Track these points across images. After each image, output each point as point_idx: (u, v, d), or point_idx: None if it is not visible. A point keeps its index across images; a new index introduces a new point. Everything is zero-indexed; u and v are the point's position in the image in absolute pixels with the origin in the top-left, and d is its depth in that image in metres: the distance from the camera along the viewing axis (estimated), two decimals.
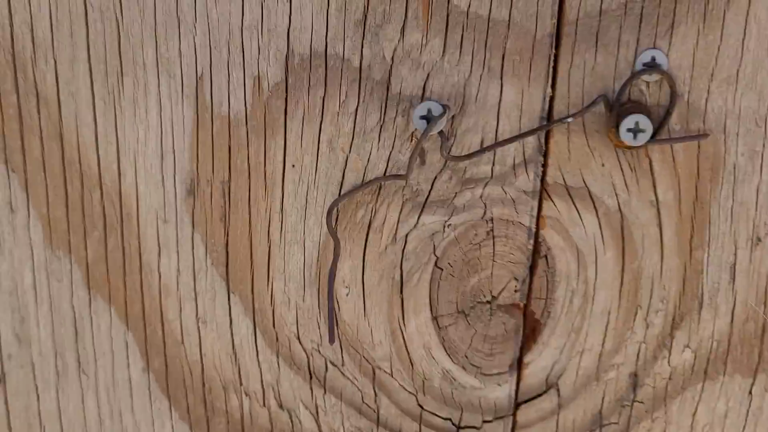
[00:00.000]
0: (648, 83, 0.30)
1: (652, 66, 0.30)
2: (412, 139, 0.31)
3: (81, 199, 0.33)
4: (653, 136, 0.30)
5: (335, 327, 0.33)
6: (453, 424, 0.35)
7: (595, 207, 0.32)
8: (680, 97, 0.30)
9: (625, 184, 0.31)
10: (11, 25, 0.30)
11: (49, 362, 0.35)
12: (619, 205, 0.32)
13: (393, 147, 0.31)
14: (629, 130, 0.29)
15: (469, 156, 0.30)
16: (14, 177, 0.32)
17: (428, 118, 0.30)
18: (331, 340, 0.32)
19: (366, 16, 0.30)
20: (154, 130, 0.31)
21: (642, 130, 0.29)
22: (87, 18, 0.30)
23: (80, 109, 0.31)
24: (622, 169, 0.31)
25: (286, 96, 0.31)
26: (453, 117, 0.31)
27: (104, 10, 0.30)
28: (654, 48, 0.30)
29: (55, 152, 0.32)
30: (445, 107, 0.30)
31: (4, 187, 0.33)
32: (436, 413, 0.35)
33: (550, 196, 0.32)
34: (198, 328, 0.34)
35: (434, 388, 0.35)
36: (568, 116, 0.30)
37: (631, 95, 0.30)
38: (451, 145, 0.31)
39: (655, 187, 0.31)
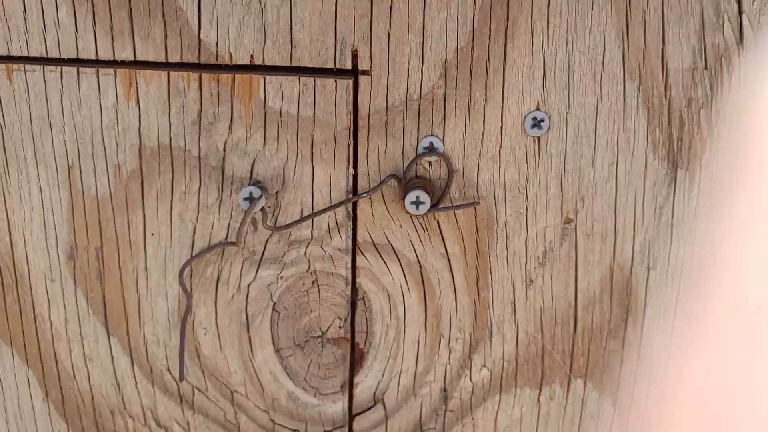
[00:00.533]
0: (430, 162, 0.37)
1: (431, 149, 0.36)
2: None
3: None
4: (436, 204, 0.37)
5: (184, 366, 0.40)
6: None
7: (398, 259, 0.39)
8: (456, 173, 0.37)
9: (420, 241, 0.38)
10: None
11: None
12: (417, 257, 0.39)
13: (231, 217, 0.38)
14: (412, 202, 0.36)
15: (288, 226, 0.37)
16: None
17: (250, 199, 0.36)
18: (181, 378, 0.39)
19: (200, 116, 0.36)
20: (37, 210, 0.38)
21: (422, 202, 0.36)
22: None
23: None
24: (416, 229, 0.38)
25: (142, 180, 0.37)
26: (277, 193, 0.37)
27: None
28: (431, 135, 0.36)
29: None
30: (262, 190, 0.36)
31: None
32: (286, 426, 0.42)
33: (361, 252, 0.38)
34: (86, 364, 0.41)
35: (282, 405, 0.42)
36: (366, 192, 0.37)
37: (417, 172, 0.37)
38: (277, 216, 0.37)
39: (444, 242, 0.38)
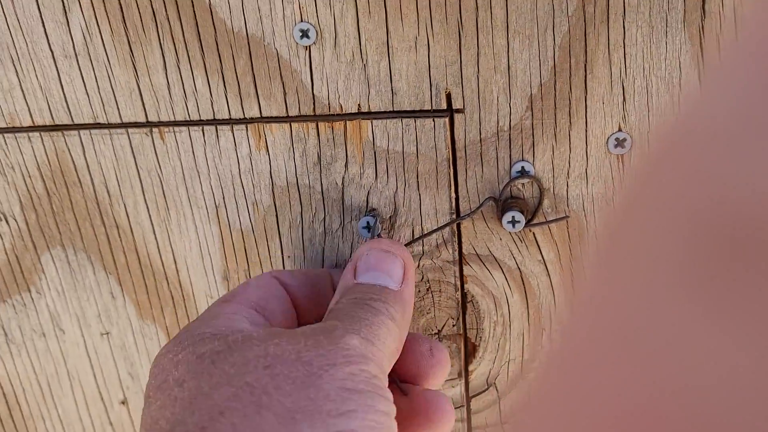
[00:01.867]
0: (523, 184, 0.39)
1: (522, 173, 0.39)
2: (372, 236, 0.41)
3: (156, 288, 0.45)
4: (530, 220, 0.39)
5: None
6: None
7: (500, 266, 0.41)
8: (547, 191, 0.39)
9: (519, 250, 0.41)
10: (93, 185, 0.43)
11: None
12: (517, 264, 0.41)
13: (352, 240, 0.42)
14: (509, 222, 0.39)
15: (405, 245, 0.41)
16: (111, 277, 0.45)
17: (368, 227, 0.40)
18: None
19: (320, 158, 0.40)
20: (194, 242, 0.43)
21: (518, 221, 0.39)
22: (139, 174, 0.42)
23: (146, 233, 0.43)
24: (515, 241, 0.41)
25: (276, 213, 0.42)
26: (390, 217, 0.41)
27: (149, 169, 0.42)
28: (522, 160, 0.39)
29: (134, 260, 0.44)
30: (377, 217, 0.40)
31: (106, 283, 0.45)
32: None
33: (467, 262, 0.42)
34: None
35: None
36: (468, 213, 0.40)
37: (512, 193, 0.39)
38: (392, 237, 0.41)
39: (540, 250, 0.41)
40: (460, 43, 0.36)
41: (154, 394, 0.31)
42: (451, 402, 0.35)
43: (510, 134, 0.38)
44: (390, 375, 0.33)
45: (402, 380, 0.36)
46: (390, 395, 0.30)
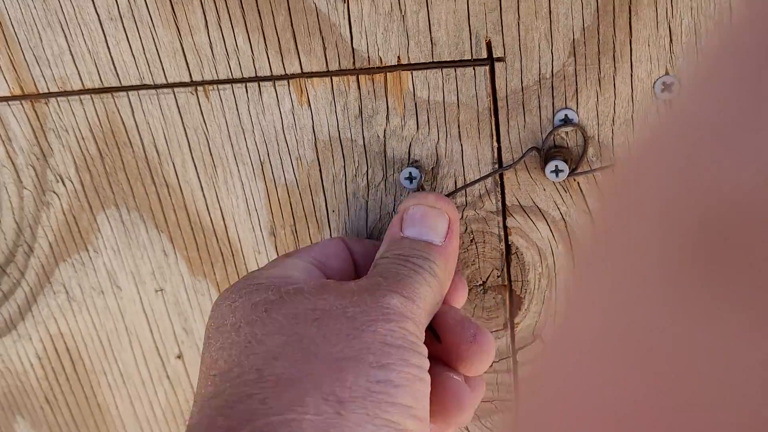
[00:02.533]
0: (566, 132, 0.38)
1: (566, 121, 0.38)
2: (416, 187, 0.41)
3: (205, 244, 0.46)
4: (575, 169, 0.38)
5: None
6: None
7: (544, 217, 0.41)
8: (591, 139, 0.38)
9: (563, 201, 0.40)
10: (143, 145, 0.43)
11: None
12: (561, 215, 0.40)
13: (396, 192, 0.41)
14: (552, 171, 0.38)
15: (446, 196, 0.40)
16: (163, 235, 0.46)
17: (410, 178, 0.40)
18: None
19: (361, 111, 0.40)
20: (241, 198, 0.44)
21: (561, 170, 0.38)
22: (186, 133, 0.42)
23: (194, 191, 0.44)
24: (558, 192, 0.40)
25: (320, 168, 0.42)
26: (432, 168, 0.40)
27: (195, 128, 0.42)
28: (566, 108, 0.37)
29: (185, 218, 0.45)
30: (419, 168, 0.39)
31: (158, 241, 0.46)
32: None
33: (511, 214, 0.41)
34: None
35: None
36: (511, 164, 0.39)
37: (555, 142, 0.38)
38: (434, 188, 0.41)
39: (585, 200, 0.40)
40: None
41: (213, 335, 0.33)
42: (470, 394, 0.35)
43: (552, 82, 0.37)
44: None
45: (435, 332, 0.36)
46: (425, 350, 0.32)
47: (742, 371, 0.10)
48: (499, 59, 0.37)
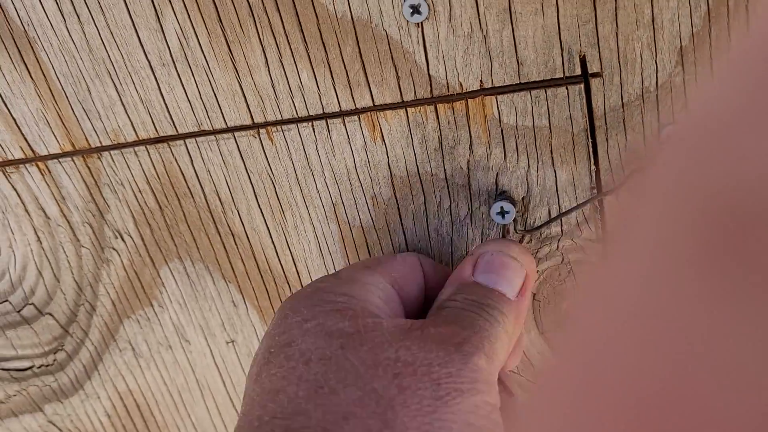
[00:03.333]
0: None
1: None
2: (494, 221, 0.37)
3: (277, 292, 0.42)
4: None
5: None
6: None
7: None
8: None
9: None
10: (204, 194, 0.39)
11: None
12: None
13: (482, 226, 0.37)
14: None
15: (540, 227, 0.36)
16: (231, 286, 0.42)
17: (502, 213, 0.35)
18: None
19: (441, 142, 0.35)
20: (314, 243, 0.40)
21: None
22: (250, 178, 0.38)
23: (262, 238, 0.40)
24: None
25: (398, 205, 0.38)
26: (523, 198, 0.36)
27: (260, 172, 0.38)
28: (674, 122, 0.33)
29: (253, 267, 0.41)
30: (508, 199, 0.35)
31: (227, 292, 0.43)
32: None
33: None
34: None
35: None
36: (613, 188, 0.34)
37: None
38: (526, 219, 0.36)
39: None
40: None
41: (276, 353, 0.30)
42: None
43: (657, 95, 0.32)
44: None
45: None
46: (502, 427, 0.29)
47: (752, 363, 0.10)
48: (595, 75, 0.32)
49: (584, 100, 0.33)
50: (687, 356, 0.10)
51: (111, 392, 0.48)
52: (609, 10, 0.31)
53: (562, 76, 0.33)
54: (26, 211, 0.42)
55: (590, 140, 0.34)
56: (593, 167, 0.34)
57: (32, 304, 0.45)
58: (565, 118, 0.33)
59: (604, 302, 0.13)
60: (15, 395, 0.50)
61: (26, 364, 0.48)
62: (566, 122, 0.34)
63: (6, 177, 0.41)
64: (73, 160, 0.40)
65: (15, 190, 0.41)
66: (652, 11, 0.31)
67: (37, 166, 0.40)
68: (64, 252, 0.43)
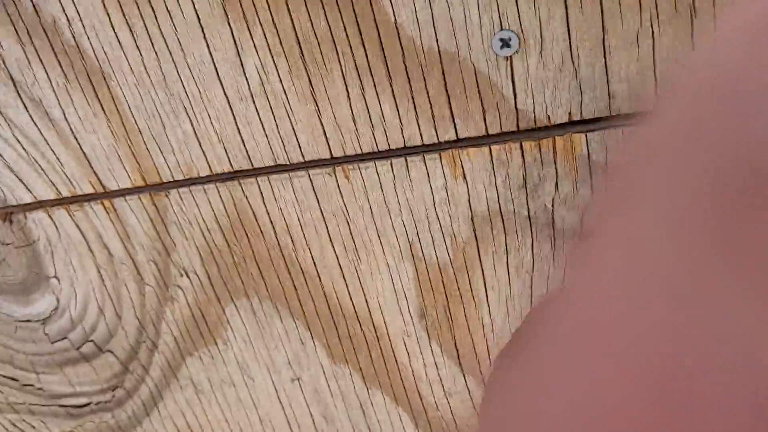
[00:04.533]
0: None
1: None
2: None
3: (347, 330, 0.40)
4: None
5: None
6: None
7: None
8: None
9: None
10: (275, 232, 0.37)
11: (349, 431, 0.44)
12: None
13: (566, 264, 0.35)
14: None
15: None
16: (299, 323, 0.40)
17: None
18: None
19: (525, 180, 0.33)
20: (387, 282, 0.38)
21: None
22: (324, 217, 0.36)
23: (334, 278, 0.38)
24: None
25: (477, 244, 0.35)
26: None
27: (336, 213, 0.36)
28: None
29: (323, 305, 0.39)
30: None
31: (294, 330, 0.40)
32: None
33: None
34: (447, 399, 0.41)
35: None
36: None
37: None
38: None
39: None
40: (692, 29, 0.29)
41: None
42: None
43: None
44: None
45: None
46: None
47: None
48: None
49: None
50: (698, 334, 0.09)
51: (170, 429, 0.46)
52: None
53: None
54: (89, 249, 0.40)
55: None
56: None
57: (92, 341, 0.43)
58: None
59: (612, 278, 0.11)
60: (72, 431, 0.48)
61: (83, 400, 0.46)
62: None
63: (70, 215, 0.39)
64: (140, 198, 0.38)
65: (78, 228, 0.39)
66: None
67: (103, 204, 0.39)
68: (127, 290, 0.41)
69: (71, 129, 0.36)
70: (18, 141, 0.37)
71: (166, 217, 0.38)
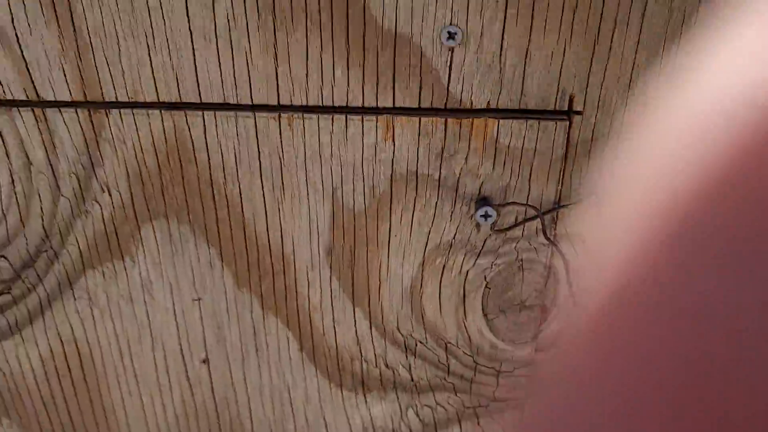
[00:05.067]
0: None
1: None
2: (471, 219, 0.42)
3: (257, 260, 0.44)
4: None
5: None
6: (496, 370, 0.49)
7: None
8: None
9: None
10: (209, 163, 0.40)
11: (237, 351, 0.48)
12: None
13: (460, 223, 0.42)
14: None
15: (509, 228, 0.41)
16: (212, 249, 0.43)
17: (485, 216, 0.40)
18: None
19: (443, 150, 0.40)
20: (305, 219, 0.42)
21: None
22: (260, 159, 0.40)
23: (257, 211, 0.42)
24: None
25: (391, 197, 0.41)
26: (498, 205, 0.41)
27: (271, 153, 0.40)
28: None
29: (240, 235, 0.43)
30: (488, 204, 0.40)
31: (206, 254, 0.43)
32: (486, 365, 0.48)
33: (556, 246, 0.43)
34: (334, 327, 0.46)
35: (485, 351, 0.48)
36: (567, 203, 0.41)
37: None
38: (497, 221, 0.42)
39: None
40: (593, 51, 0.36)
41: None
42: None
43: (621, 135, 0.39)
44: None
45: None
46: None
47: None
48: (577, 113, 0.38)
49: (565, 132, 0.39)
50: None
51: (53, 339, 0.47)
52: (600, 68, 0.37)
53: (553, 108, 0.38)
54: (6, 153, 0.40)
55: (562, 164, 0.40)
56: (560, 186, 0.41)
57: None
58: (548, 146, 0.39)
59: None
60: None
61: None
62: (548, 148, 0.39)
63: None
64: (76, 112, 0.38)
65: None
66: (630, 76, 0.37)
67: (33, 112, 0.38)
68: (40, 199, 0.41)
69: (17, 35, 0.36)
70: None
71: (101, 135, 0.39)
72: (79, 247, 0.43)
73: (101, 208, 0.41)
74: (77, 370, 0.48)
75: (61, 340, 0.47)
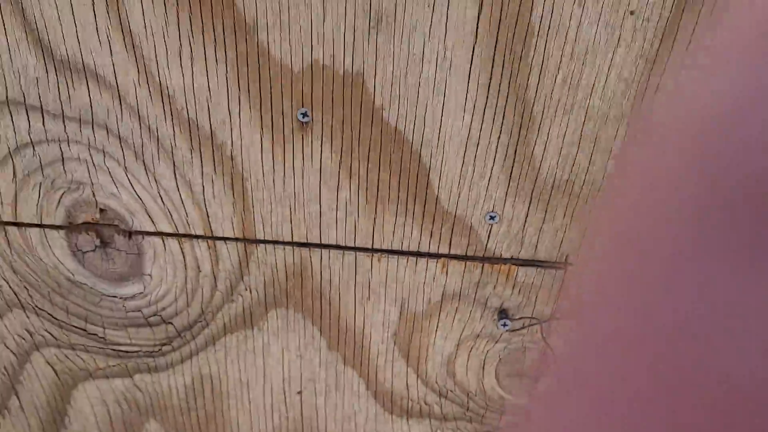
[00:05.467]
0: None
1: None
2: (494, 323, 0.61)
3: (344, 334, 0.63)
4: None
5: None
6: (501, 409, 0.68)
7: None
8: None
9: None
10: (321, 282, 0.59)
11: (322, 388, 0.67)
12: None
13: (485, 326, 0.61)
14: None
15: (517, 330, 0.60)
16: (314, 327, 0.62)
17: (504, 324, 0.59)
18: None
19: (479, 282, 0.58)
20: (381, 313, 0.61)
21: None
22: (356, 276, 0.59)
23: (348, 307, 0.61)
24: None
25: (440, 305, 0.60)
26: (513, 314, 0.60)
27: (363, 275, 0.58)
28: None
29: (335, 319, 0.62)
30: (511, 320, 0.59)
31: (309, 329, 0.63)
32: (494, 407, 0.68)
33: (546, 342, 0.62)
34: (392, 379, 0.66)
35: (494, 399, 0.68)
36: (556, 317, 0.60)
37: None
38: (510, 324, 0.61)
39: None
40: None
41: None
42: None
43: None
44: None
45: None
46: None
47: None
48: (571, 264, 0.57)
49: (563, 275, 0.57)
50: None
51: (195, 374, 0.66)
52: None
53: (555, 261, 0.57)
54: (185, 264, 0.59)
55: (558, 293, 0.59)
56: (554, 305, 0.59)
57: (160, 315, 0.62)
58: (549, 283, 0.58)
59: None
60: (114, 366, 0.66)
61: (135, 349, 0.65)
62: (549, 284, 0.58)
63: (179, 243, 0.57)
64: (236, 244, 0.57)
65: (182, 251, 0.58)
66: None
67: (207, 242, 0.57)
68: (202, 292, 0.60)
69: (204, 198, 0.54)
70: (160, 196, 0.54)
71: (250, 258, 0.58)
72: (224, 321, 0.62)
73: (242, 300, 0.60)
74: (209, 393, 0.68)
75: (201, 374, 0.66)
